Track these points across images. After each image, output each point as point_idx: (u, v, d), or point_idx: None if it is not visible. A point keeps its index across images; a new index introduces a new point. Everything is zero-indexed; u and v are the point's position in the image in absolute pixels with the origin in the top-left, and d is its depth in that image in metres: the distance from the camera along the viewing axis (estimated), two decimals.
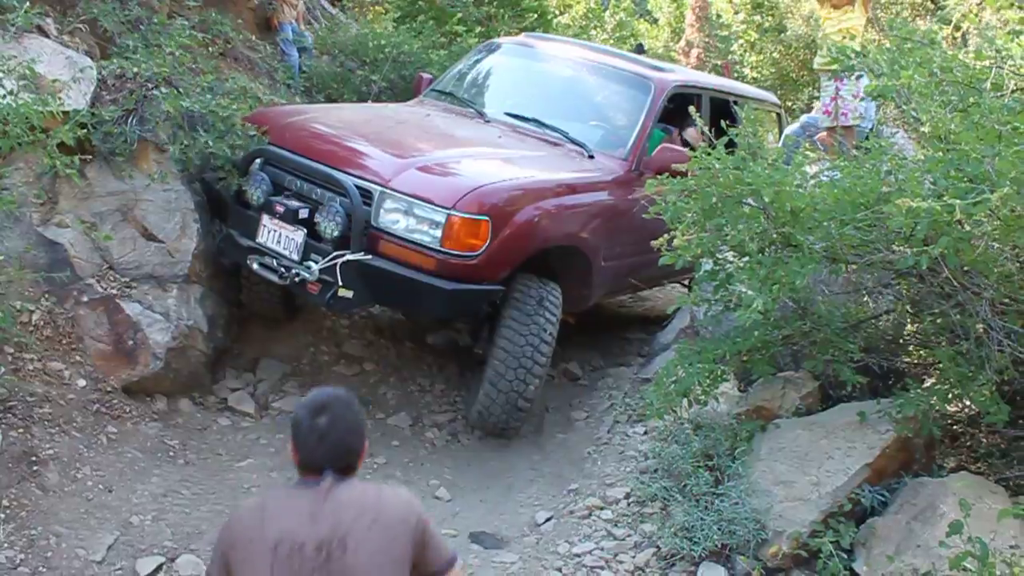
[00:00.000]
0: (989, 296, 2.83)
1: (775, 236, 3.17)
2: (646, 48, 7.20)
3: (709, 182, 3.29)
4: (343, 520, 2.09)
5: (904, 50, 3.29)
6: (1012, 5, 3.02)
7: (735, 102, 6.64)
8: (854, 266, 3.13)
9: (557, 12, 12.64)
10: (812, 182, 3.24)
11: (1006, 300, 3.02)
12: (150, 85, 4.82)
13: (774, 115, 7.34)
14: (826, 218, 2.99)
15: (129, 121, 4.71)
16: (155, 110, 4.75)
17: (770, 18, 15.78)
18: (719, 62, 14.73)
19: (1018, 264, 2.85)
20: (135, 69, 4.80)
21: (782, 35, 14.39)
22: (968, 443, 4.36)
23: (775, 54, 14.67)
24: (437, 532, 2.29)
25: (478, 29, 8.73)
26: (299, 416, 2.21)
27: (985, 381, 3.14)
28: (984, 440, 4.27)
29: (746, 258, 3.27)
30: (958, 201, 2.29)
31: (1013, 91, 3.00)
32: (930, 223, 2.54)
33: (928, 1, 11.20)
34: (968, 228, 2.74)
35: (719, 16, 16.06)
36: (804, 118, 6.60)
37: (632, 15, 15.46)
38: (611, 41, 13.39)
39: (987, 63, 3.04)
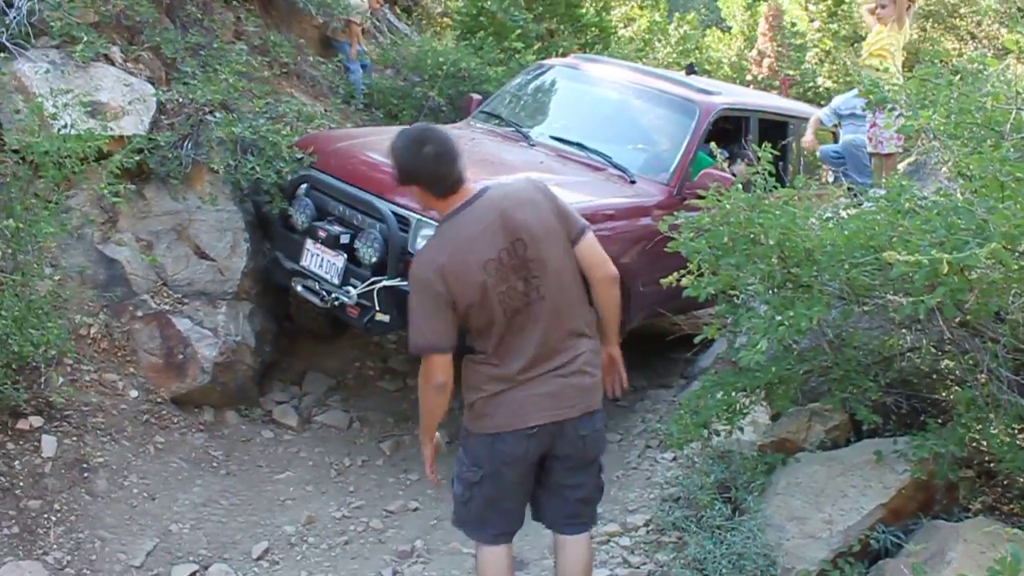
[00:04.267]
0: (988, 346, 2.79)
1: (784, 276, 3.18)
2: (697, 68, 7.15)
3: (722, 220, 3.32)
4: (508, 221, 2.69)
5: (926, 88, 3.27)
6: None
7: (787, 123, 6.62)
8: (866, 308, 3.12)
9: (620, 26, 12.61)
10: (818, 224, 3.24)
11: (1021, 349, 2.97)
12: (205, 110, 5.07)
13: (831, 135, 7.25)
14: (834, 260, 3.00)
15: (184, 145, 4.96)
16: (209, 135, 4.98)
17: (847, 26, 15.47)
18: (791, 72, 14.51)
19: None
20: (191, 95, 5.05)
21: (856, 44, 14.08)
22: (1004, 481, 4.26)
23: (849, 62, 14.34)
24: (566, 203, 2.85)
25: (537, 45, 8.82)
26: (410, 164, 2.72)
27: (1000, 427, 3.09)
28: (1021, 479, 4.17)
29: (754, 297, 3.29)
30: (946, 255, 2.29)
31: None
32: (929, 272, 2.53)
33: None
34: (976, 276, 2.72)
35: (793, 25, 15.78)
36: (843, 141, 6.43)
37: (697, 28, 15.28)
38: (675, 55, 13.29)
39: (1007, 105, 3.00)
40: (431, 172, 2.70)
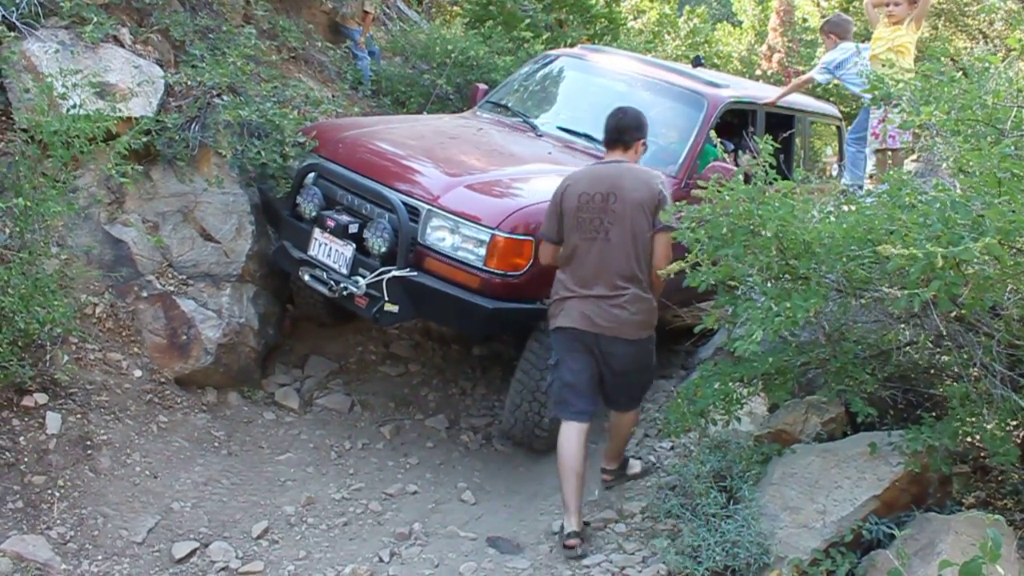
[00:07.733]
0: (982, 341, 2.81)
1: (782, 267, 3.21)
2: (704, 61, 7.15)
3: (722, 211, 3.34)
4: (615, 183, 3.89)
5: (928, 85, 3.29)
6: None
7: (793, 116, 6.63)
8: (863, 300, 3.15)
9: (630, 18, 12.59)
10: (817, 216, 3.26)
11: (1019, 343, 2.99)
12: (213, 93, 5.10)
13: (834, 128, 7.26)
14: (832, 253, 3.02)
15: (192, 128, 4.99)
16: (216, 117, 5.01)
17: (858, 23, 15.41)
18: (802, 68, 14.48)
19: (1019, 308, 2.83)
20: (199, 78, 5.08)
21: (866, 42, 14.03)
22: (999, 476, 4.28)
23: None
24: (669, 204, 3.88)
25: (546, 35, 8.82)
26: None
27: (993, 421, 3.11)
28: (1015, 476, 4.19)
29: (754, 288, 3.32)
30: (940, 250, 2.32)
31: None
32: (924, 266, 2.55)
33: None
34: (970, 271, 2.74)
35: (804, 20, 15.75)
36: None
37: (706, 21, 15.25)
38: (683, 48, 13.27)
39: (1007, 103, 3.01)
40: (605, 126, 4.10)
